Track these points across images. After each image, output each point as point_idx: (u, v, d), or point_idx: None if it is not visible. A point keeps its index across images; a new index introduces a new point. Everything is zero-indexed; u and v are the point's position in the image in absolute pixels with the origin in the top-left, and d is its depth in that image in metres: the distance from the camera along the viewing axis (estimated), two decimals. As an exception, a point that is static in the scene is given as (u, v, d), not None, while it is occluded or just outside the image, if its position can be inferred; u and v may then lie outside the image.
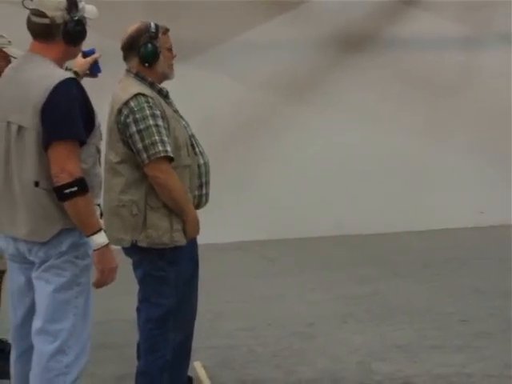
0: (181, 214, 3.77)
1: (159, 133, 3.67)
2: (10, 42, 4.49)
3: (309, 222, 8.11)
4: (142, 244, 3.76)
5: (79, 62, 3.76)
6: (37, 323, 3.21)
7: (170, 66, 3.91)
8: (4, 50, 4.43)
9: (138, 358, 4.15)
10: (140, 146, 3.66)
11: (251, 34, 7.98)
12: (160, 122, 3.70)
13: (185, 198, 3.76)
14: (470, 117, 8.54)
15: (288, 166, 8.19)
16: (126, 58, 3.89)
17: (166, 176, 3.68)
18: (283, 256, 7.58)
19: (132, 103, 3.70)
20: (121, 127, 3.72)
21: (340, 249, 7.83)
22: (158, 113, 3.71)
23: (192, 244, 3.95)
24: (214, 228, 7.49)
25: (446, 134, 8.53)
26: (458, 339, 5.06)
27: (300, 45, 8.11)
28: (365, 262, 7.29)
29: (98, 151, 3.27)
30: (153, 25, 3.84)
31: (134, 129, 3.67)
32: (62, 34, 3.13)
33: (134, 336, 4.20)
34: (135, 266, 3.95)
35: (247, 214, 8.05)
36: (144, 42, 3.79)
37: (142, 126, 3.66)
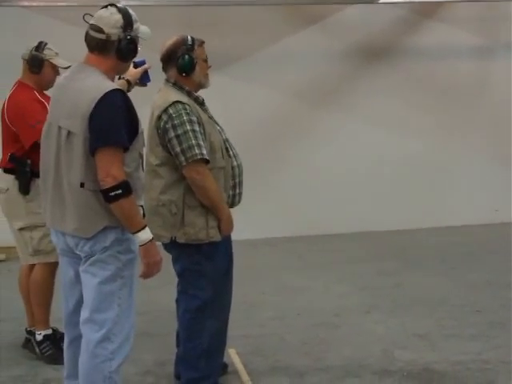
0: (216, 213, 3.77)
1: (196, 137, 3.68)
2: (57, 53, 4.53)
3: (333, 219, 8.07)
4: (181, 240, 3.76)
5: (131, 72, 3.78)
6: (84, 313, 3.25)
7: (206, 76, 3.93)
8: (51, 60, 4.47)
9: (178, 345, 4.17)
10: (178, 149, 3.67)
11: (280, 45, 7.95)
12: (196, 128, 3.71)
13: (219, 198, 3.76)
14: (483, 121, 8.46)
15: (313, 168, 8.15)
16: (164, 69, 3.91)
17: (202, 177, 3.68)
18: (309, 251, 7.55)
19: (171, 110, 3.71)
20: (160, 132, 3.73)
21: (363, 244, 7.78)
22: (194, 119, 3.72)
23: (227, 240, 3.95)
24: (245, 225, 7.52)
25: (461, 138, 8.46)
26: (473, 328, 5.01)
27: (325, 55, 8.07)
28: (386, 256, 7.23)
29: (141, 156, 3.30)
30: (189, 38, 3.86)
31: (172, 134, 3.68)
32: (116, 50, 3.16)
33: (173, 325, 4.20)
34: (174, 261, 3.96)
35: (275, 212, 8.02)
36: (181, 54, 3.81)
37: (179, 131, 3.67)
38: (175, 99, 3.74)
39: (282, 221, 8.04)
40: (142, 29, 3.26)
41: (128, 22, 3.16)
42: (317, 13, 8.03)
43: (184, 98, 3.78)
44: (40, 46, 4.49)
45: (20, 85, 4.55)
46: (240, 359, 4.48)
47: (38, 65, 4.47)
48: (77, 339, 3.37)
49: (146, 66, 3.90)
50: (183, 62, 3.81)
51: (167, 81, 3.90)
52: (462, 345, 4.71)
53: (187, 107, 3.73)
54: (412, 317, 5.31)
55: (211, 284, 3.86)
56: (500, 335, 4.84)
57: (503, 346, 4.65)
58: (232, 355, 4.50)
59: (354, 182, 8.16)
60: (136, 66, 3.83)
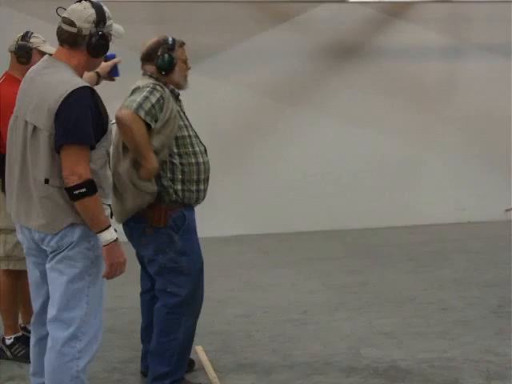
0: (141, 159, 3.71)
1: (152, 103, 3.68)
2: (44, 40, 4.47)
3: (302, 217, 8.12)
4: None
5: (101, 65, 3.74)
6: (52, 311, 3.21)
7: (185, 77, 3.97)
8: (40, 48, 4.41)
9: (143, 341, 4.16)
10: (131, 102, 3.66)
11: (251, 42, 7.97)
12: (157, 102, 3.71)
13: (146, 145, 3.68)
14: (451, 121, 8.54)
15: (284, 166, 8.19)
16: (143, 68, 3.90)
17: (131, 121, 3.63)
18: (278, 248, 7.57)
19: (142, 87, 3.75)
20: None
21: (332, 242, 7.81)
22: (160, 97, 3.73)
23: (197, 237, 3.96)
24: (214, 222, 7.54)
25: (429, 137, 8.54)
26: (439, 326, 5.05)
27: (296, 53, 8.11)
28: (355, 254, 7.28)
29: (108, 154, 3.26)
30: (170, 38, 3.91)
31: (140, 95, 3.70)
32: (86, 45, 3.12)
33: (140, 322, 4.20)
34: (143, 248, 3.93)
35: (244, 210, 8.05)
36: (162, 53, 3.84)
37: (146, 94, 3.69)
38: (153, 83, 3.79)
39: (250, 218, 8.06)
40: (115, 27, 3.24)
41: (101, 18, 3.13)
42: (288, 11, 8.06)
43: (158, 88, 3.81)
44: (26, 35, 4.43)
45: (8, 77, 4.46)
46: (207, 356, 4.48)
47: (26, 54, 4.39)
48: (45, 337, 3.32)
49: (115, 59, 3.88)
50: (163, 61, 3.85)
51: (144, 73, 3.92)
52: (428, 343, 4.75)
53: (161, 89, 3.76)
54: (379, 314, 5.35)
55: (189, 281, 3.88)
56: (465, 333, 4.90)
57: (468, 343, 4.70)
58: (199, 352, 4.51)
59: (324, 179, 8.21)
60: (106, 59, 3.82)
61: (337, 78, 8.22)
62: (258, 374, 4.30)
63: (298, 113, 8.14)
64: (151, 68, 3.89)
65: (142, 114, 3.66)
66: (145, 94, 3.70)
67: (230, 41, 7.94)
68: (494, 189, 8.57)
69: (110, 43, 3.23)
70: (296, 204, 8.11)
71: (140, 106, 3.67)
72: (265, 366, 4.41)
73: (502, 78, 8.43)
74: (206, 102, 7.68)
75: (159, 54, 3.85)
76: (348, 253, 7.34)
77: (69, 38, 3.13)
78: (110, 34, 3.20)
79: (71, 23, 3.11)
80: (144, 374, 4.16)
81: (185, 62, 3.95)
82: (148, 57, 3.89)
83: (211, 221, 7.09)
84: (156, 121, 3.72)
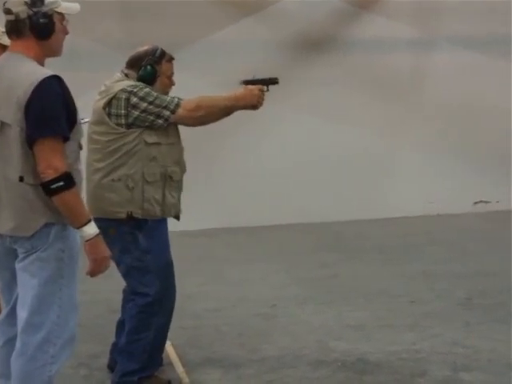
0: (236, 106, 3.99)
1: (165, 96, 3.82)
2: (3, 32, 4.36)
3: (272, 210, 8.12)
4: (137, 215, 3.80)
5: None
6: (22, 314, 3.08)
7: (166, 93, 3.94)
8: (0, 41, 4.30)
9: (117, 335, 4.13)
10: (158, 110, 3.75)
11: (219, 35, 7.95)
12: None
13: (221, 99, 3.96)
14: (421, 113, 8.59)
15: (253, 158, 8.18)
16: (127, 70, 3.90)
17: (194, 107, 3.91)
18: (248, 242, 7.57)
19: (129, 88, 3.75)
20: (118, 111, 3.73)
21: (302, 235, 7.83)
22: (149, 89, 3.78)
23: (165, 233, 3.94)
24: (184, 217, 7.49)
25: (399, 130, 8.57)
26: (407, 319, 5.09)
27: (264, 45, 8.09)
28: (324, 247, 7.30)
29: (80, 147, 3.15)
30: (159, 50, 3.90)
31: (145, 104, 3.73)
32: (29, 28, 3.01)
33: (107, 316, 4.19)
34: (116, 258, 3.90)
35: (213, 203, 8.02)
36: (145, 64, 3.81)
37: (151, 99, 3.74)
38: (131, 83, 3.79)
39: (220, 212, 8.04)
40: (66, 4, 3.10)
41: None
42: (258, 3, 8.05)
43: (138, 82, 3.82)
44: None
45: None
46: (175, 351, 4.47)
47: None
48: (14, 338, 3.18)
49: None
50: (144, 73, 3.85)
51: (126, 76, 3.89)
52: (397, 335, 4.78)
53: (143, 84, 3.79)
54: (348, 307, 5.37)
55: (157, 279, 3.85)
56: (433, 325, 4.93)
57: (436, 335, 4.74)
58: (167, 347, 4.48)
59: (295, 172, 8.21)
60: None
61: (306, 71, 8.22)
62: (226, 368, 4.30)
63: (268, 106, 8.07)
64: (133, 75, 3.86)
65: (175, 100, 3.81)
66: (154, 93, 3.76)
67: (199, 34, 7.91)
68: (463, 181, 8.64)
69: (65, 23, 3.11)
70: (266, 197, 8.11)
71: (169, 101, 3.78)
72: (233, 360, 4.41)
73: (472, 70, 8.51)
74: (177, 95, 7.63)
75: (143, 63, 3.83)
76: (318, 246, 7.36)
77: (12, 28, 3.03)
78: (56, 12, 3.05)
79: (9, 11, 3.00)
80: (111, 368, 4.14)
81: (169, 77, 3.94)
82: (132, 63, 3.87)
83: (181, 215, 7.06)
84: None
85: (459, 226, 8.18)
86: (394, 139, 8.57)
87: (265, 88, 4.00)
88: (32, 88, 2.89)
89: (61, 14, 3.08)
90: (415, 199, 8.56)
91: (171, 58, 3.94)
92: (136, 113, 3.73)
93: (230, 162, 8.15)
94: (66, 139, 2.98)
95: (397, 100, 8.50)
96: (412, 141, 8.61)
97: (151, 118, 3.74)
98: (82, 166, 3.23)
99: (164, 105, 3.76)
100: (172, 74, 3.98)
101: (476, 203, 8.84)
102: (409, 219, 8.40)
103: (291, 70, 8.20)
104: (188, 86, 7.74)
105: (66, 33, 3.14)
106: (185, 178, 4.06)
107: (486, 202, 8.88)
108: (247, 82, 3.98)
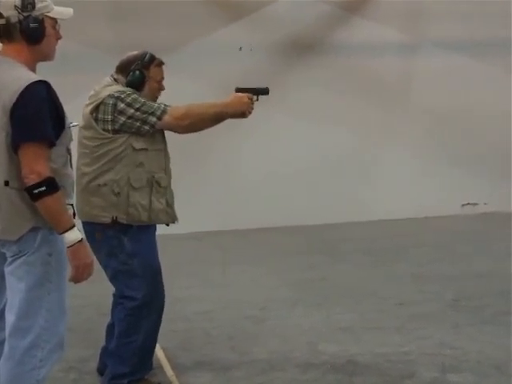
0: (225, 113, 4.00)
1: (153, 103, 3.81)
2: None
3: (260, 213, 8.12)
4: (122, 221, 3.81)
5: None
6: (10, 318, 3.08)
7: (155, 99, 3.95)
8: None
9: (107, 339, 4.13)
10: (144, 116, 3.74)
11: (209, 38, 7.96)
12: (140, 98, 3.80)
13: (209, 106, 4.00)
14: (408, 116, 8.62)
15: (243, 161, 8.20)
16: (116, 75, 3.90)
17: (182, 114, 3.90)
18: (237, 245, 7.58)
19: (116, 94, 3.75)
20: (105, 116, 3.74)
21: (291, 238, 7.85)
22: (136, 96, 3.80)
23: (151, 237, 3.94)
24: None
25: (387, 133, 8.60)
26: (396, 321, 5.11)
27: (254, 50, 8.11)
28: (315, 250, 7.32)
29: (69, 152, 3.15)
30: (148, 55, 3.90)
31: (131, 110, 3.73)
32: (20, 33, 3.01)
33: (97, 320, 4.20)
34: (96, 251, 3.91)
35: (203, 206, 8.03)
36: (134, 69, 3.82)
37: (138, 105, 3.74)
38: (118, 88, 3.80)
39: (209, 215, 8.05)
40: (58, 9, 3.10)
41: (27, 1, 2.99)
42: (246, 7, 8.07)
43: (126, 88, 3.83)
44: None
45: None
46: (165, 354, 4.48)
47: None
48: (2, 343, 3.16)
49: None
50: (132, 78, 3.85)
51: (111, 76, 3.90)
52: (385, 337, 4.80)
53: (132, 90, 3.80)
54: (337, 310, 5.39)
55: (144, 282, 3.85)
56: (422, 327, 4.96)
57: (425, 337, 4.77)
58: (156, 350, 4.48)
59: (283, 175, 8.22)
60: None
61: (294, 75, 8.25)
62: (216, 371, 4.31)
63: (256, 109, 8.11)
64: (122, 80, 3.87)
65: (162, 107, 3.81)
66: (142, 99, 3.77)
67: (188, 37, 7.91)
68: (450, 184, 8.68)
69: (58, 27, 3.11)
70: (254, 200, 8.12)
71: (156, 108, 3.78)
72: (223, 363, 4.43)
73: (460, 74, 8.55)
74: (164, 98, 7.63)
75: (132, 68, 3.83)
76: (307, 249, 7.38)
77: (3, 32, 3.02)
78: (48, 17, 3.05)
79: (0, 15, 3.00)
80: (101, 372, 4.15)
81: (158, 82, 3.94)
82: (122, 68, 3.88)
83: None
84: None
85: (447, 228, 8.22)
86: (381, 142, 8.60)
87: (254, 97, 3.97)
88: (18, 93, 2.90)
89: (53, 18, 3.09)
90: (403, 202, 8.57)
91: (161, 63, 3.95)
92: (122, 119, 3.74)
93: (218, 165, 8.16)
94: (51, 144, 2.98)
95: (385, 103, 8.53)
96: (399, 143, 8.64)
97: (137, 124, 3.75)
98: (72, 170, 3.23)
99: (150, 111, 3.77)
100: (162, 78, 3.98)
101: (464, 205, 8.89)
102: (397, 221, 8.43)
103: (281, 72, 8.22)
104: (179, 89, 7.77)
105: (59, 38, 3.15)
106: (174, 180, 4.07)
107: (474, 204, 8.92)
108: (239, 90, 3.97)
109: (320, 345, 4.69)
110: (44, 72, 3.05)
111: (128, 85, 3.83)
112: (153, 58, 3.90)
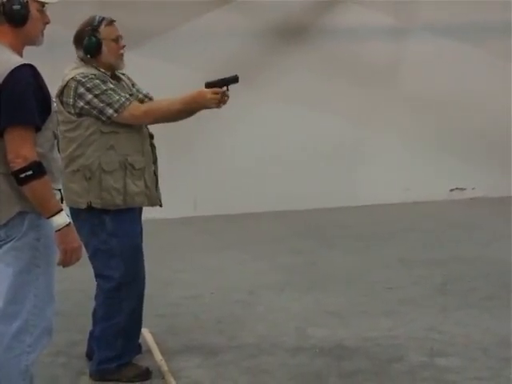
0: (189, 109, 3.96)
1: (115, 92, 3.74)
2: None
3: (249, 198, 8.13)
4: (97, 205, 3.79)
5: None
6: None
7: (118, 57, 3.85)
8: None
9: (94, 323, 4.14)
10: (101, 105, 3.68)
11: (196, 23, 7.93)
12: (110, 85, 3.75)
13: (171, 104, 3.87)
14: (397, 102, 8.62)
15: (230, 147, 8.18)
16: (76, 51, 3.85)
17: (141, 110, 3.78)
18: (225, 230, 7.59)
19: (78, 77, 3.71)
20: (68, 100, 3.72)
21: (280, 223, 7.86)
22: (104, 80, 3.74)
23: (133, 217, 3.93)
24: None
25: (375, 118, 8.62)
26: (384, 305, 5.13)
27: (241, 34, 8.09)
28: (303, 235, 7.34)
29: (55, 136, 3.13)
30: (97, 18, 3.81)
31: (90, 96, 3.69)
32: (3, 15, 2.97)
33: (85, 305, 4.19)
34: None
35: (190, 191, 8.03)
36: (87, 35, 3.76)
37: (97, 92, 3.69)
38: (83, 71, 3.75)
39: (198, 200, 8.05)
40: None
41: None
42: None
43: (92, 71, 3.77)
44: None
45: None
46: (153, 338, 4.47)
47: None
48: None
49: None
50: (87, 44, 3.76)
51: (77, 57, 3.85)
52: (374, 321, 4.82)
53: (96, 74, 3.74)
54: (326, 294, 5.41)
55: (122, 262, 3.84)
56: (410, 311, 4.99)
57: (413, 321, 4.79)
58: (145, 334, 4.49)
59: (272, 160, 8.23)
60: None
61: (283, 59, 8.22)
62: (205, 355, 4.32)
63: (245, 94, 8.08)
64: (80, 53, 3.81)
65: (122, 100, 3.71)
66: (103, 87, 3.70)
67: (175, 22, 7.89)
68: (439, 169, 8.71)
69: (45, 10, 3.07)
70: (243, 185, 8.12)
71: (116, 100, 3.70)
72: (211, 347, 4.43)
73: (449, 60, 8.56)
74: (152, 83, 7.47)
75: (84, 35, 3.76)
76: (295, 234, 7.39)
77: None
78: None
79: None
80: (89, 357, 4.15)
81: (115, 40, 3.82)
82: (77, 41, 3.81)
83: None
84: (130, 94, 3.84)
85: (435, 213, 8.25)
86: (369, 127, 8.61)
87: (224, 88, 3.93)
88: (4, 77, 2.87)
89: (39, 1, 3.05)
90: (391, 187, 8.60)
91: (111, 21, 3.82)
92: (81, 103, 3.71)
93: (205, 150, 8.14)
94: (37, 129, 2.96)
95: (373, 88, 8.53)
96: (388, 128, 8.65)
97: (94, 112, 3.71)
98: (58, 156, 3.21)
99: (108, 102, 3.70)
100: (118, 36, 3.84)
101: (452, 190, 8.92)
102: (385, 206, 8.45)
103: (267, 58, 8.22)
104: (166, 74, 7.80)
105: (46, 22, 3.11)
106: (161, 166, 4.05)
107: (462, 190, 8.95)
108: (208, 84, 3.94)
109: (308, 329, 4.71)
110: (32, 58, 3.01)
111: (85, 53, 3.76)
112: (102, 19, 3.80)
